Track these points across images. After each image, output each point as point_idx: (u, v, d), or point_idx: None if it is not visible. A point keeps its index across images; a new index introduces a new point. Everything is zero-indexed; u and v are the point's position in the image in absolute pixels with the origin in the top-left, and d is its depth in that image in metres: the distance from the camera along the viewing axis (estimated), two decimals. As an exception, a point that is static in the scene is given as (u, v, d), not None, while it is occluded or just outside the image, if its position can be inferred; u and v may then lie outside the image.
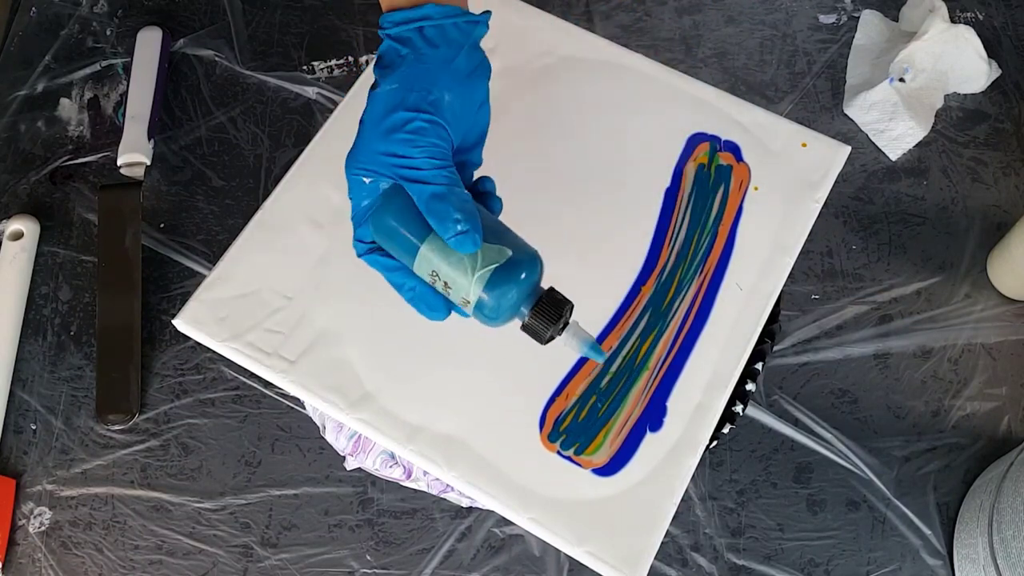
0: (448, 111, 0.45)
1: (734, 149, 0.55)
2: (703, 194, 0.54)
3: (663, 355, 0.50)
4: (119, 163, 0.73)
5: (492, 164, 0.55)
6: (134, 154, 0.73)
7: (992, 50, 0.76)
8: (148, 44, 0.78)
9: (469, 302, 0.44)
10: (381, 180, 0.45)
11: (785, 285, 0.52)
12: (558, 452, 0.48)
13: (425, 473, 0.57)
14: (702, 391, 0.49)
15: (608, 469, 0.48)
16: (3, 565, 0.64)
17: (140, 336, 0.69)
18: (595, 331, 0.51)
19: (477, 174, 0.49)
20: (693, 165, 0.55)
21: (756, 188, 0.54)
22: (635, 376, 0.50)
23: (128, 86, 0.76)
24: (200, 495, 0.66)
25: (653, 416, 0.49)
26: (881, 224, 0.71)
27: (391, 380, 0.50)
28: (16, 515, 0.65)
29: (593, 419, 0.49)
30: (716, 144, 0.55)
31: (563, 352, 0.50)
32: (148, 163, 0.73)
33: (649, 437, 0.48)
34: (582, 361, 0.50)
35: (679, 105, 0.56)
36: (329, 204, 0.54)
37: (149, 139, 0.74)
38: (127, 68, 0.78)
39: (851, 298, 0.69)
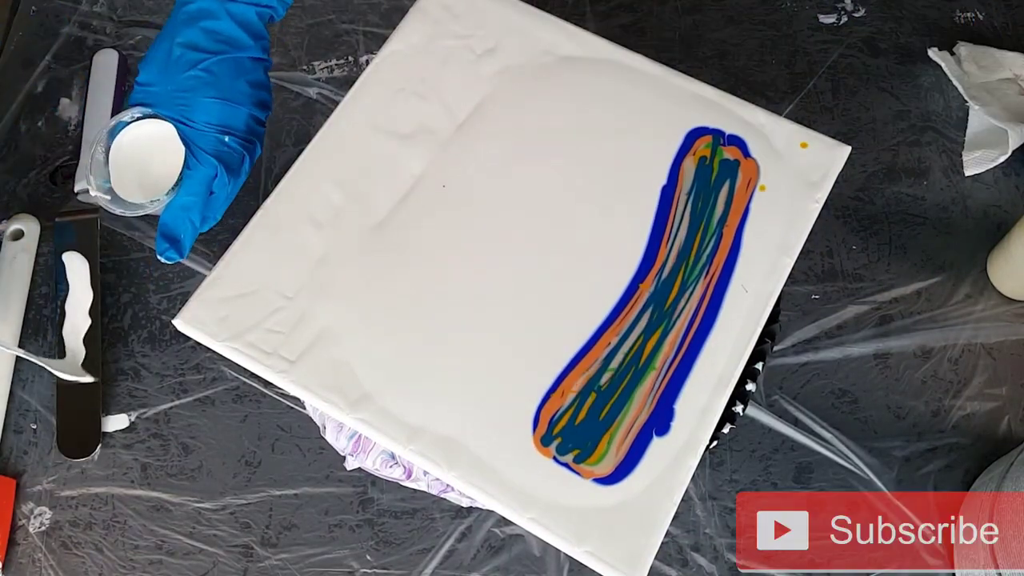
0: None
1: (740, 144, 0.55)
2: (704, 191, 0.54)
3: (670, 355, 0.50)
4: (76, 189, 0.72)
5: (489, 162, 0.55)
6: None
7: (992, 50, 0.76)
8: (103, 67, 0.77)
9: None
10: None
11: (785, 285, 0.52)
12: (554, 458, 0.48)
13: (425, 473, 0.57)
14: (709, 393, 0.49)
15: (612, 479, 0.47)
16: (3, 565, 0.64)
17: (101, 375, 0.69)
18: (592, 325, 0.51)
19: None
20: (693, 160, 0.54)
21: (763, 188, 0.54)
22: (640, 376, 0.49)
23: (84, 110, 0.75)
24: (200, 495, 0.66)
25: (660, 419, 0.49)
26: (881, 224, 0.71)
27: (391, 380, 0.50)
28: (16, 515, 0.65)
29: (594, 422, 0.49)
30: (719, 138, 0.55)
31: (559, 346, 0.50)
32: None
33: (656, 442, 0.48)
34: (580, 356, 0.50)
35: (678, 102, 0.56)
36: (329, 204, 0.54)
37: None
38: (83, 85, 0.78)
39: (851, 298, 0.69)
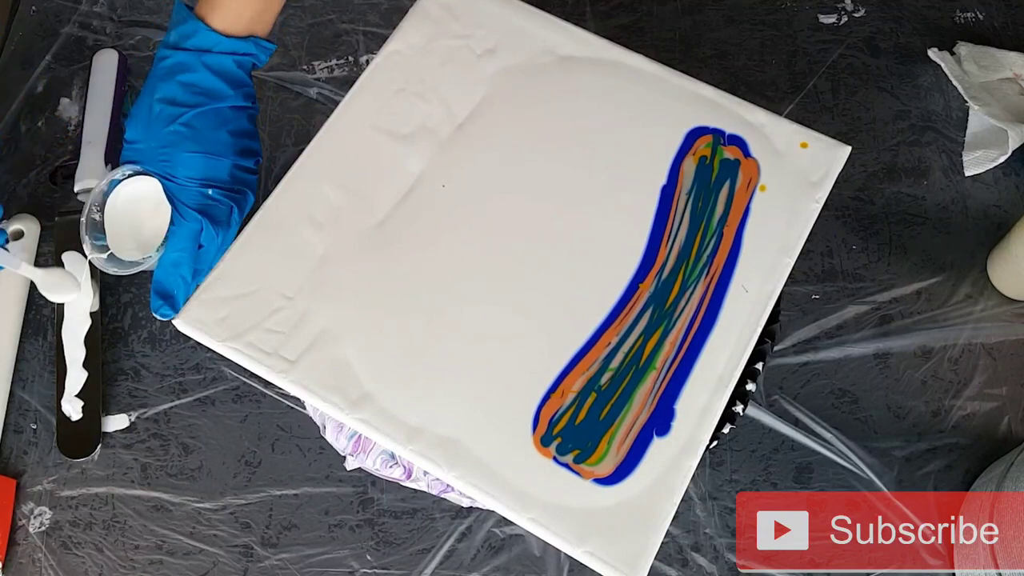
0: None
1: (740, 143, 0.55)
2: (704, 191, 0.54)
3: (671, 355, 0.50)
4: (76, 189, 0.73)
5: (488, 161, 0.55)
6: (92, 180, 0.72)
7: (992, 50, 0.76)
8: (103, 67, 0.77)
9: None
10: None
11: (785, 285, 0.52)
12: (554, 459, 0.48)
13: (425, 473, 0.57)
14: (709, 393, 0.49)
15: (612, 479, 0.47)
16: (3, 565, 0.64)
17: (101, 375, 0.68)
18: (592, 325, 0.51)
19: None
20: (693, 160, 0.54)
21: (764, 188, 0.54)
22: (640, 376, 0.49)
23: (84, 111, 0.76)
24: (200, 495, 0.66)
25: (661, 419, 0.49)
26: (881, 224, 0.71)
27: (391, 380, 0.50)
28: (16, 515, 0.65)
29: (594, 422, 0.49)
30: (720, 137, 0.55)
31: (559, 346, 0.50)
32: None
33: (656, 442, 0.48)
34: (579, 356, 0.50)
35: (678, 101, 0.56)
36: (329, 204, 0.54)
37: (106, 164, 0.73)
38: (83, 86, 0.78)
39: (851, 298, 0.69)
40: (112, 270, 0.55)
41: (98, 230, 0.55)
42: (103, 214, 0.55)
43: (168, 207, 0.53)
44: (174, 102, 0.53)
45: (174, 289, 0.54)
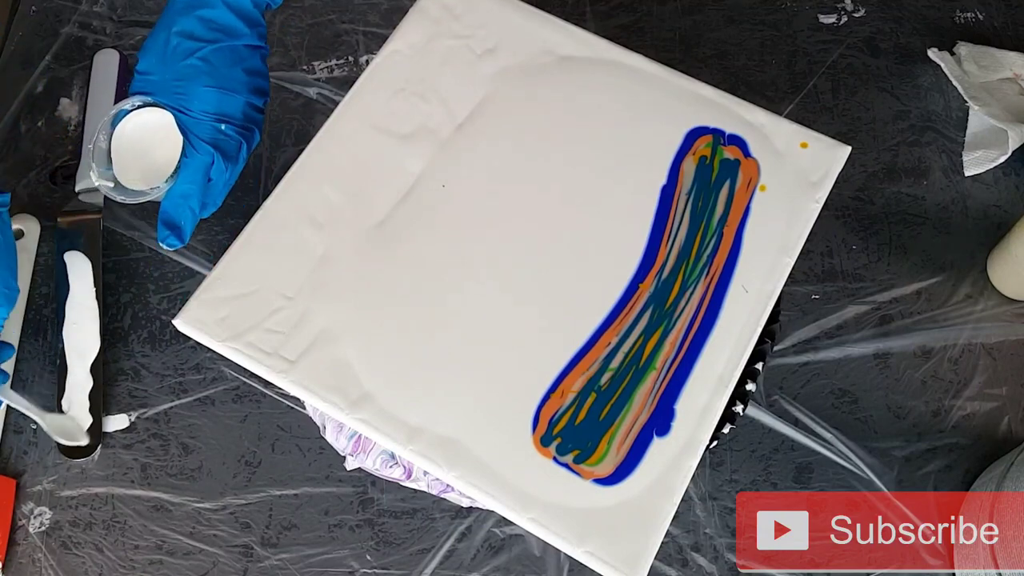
0: None
1: (740, 143, 0.55)
2: (704, 191, 0.54)
3: (671, 355, 0.50)
4: (76, 189, 0.72)
5: (488, 161, 0.55)
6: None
7: (992, 50, 0.76)
8: (103, 67, 0.77)
9: None
10: None
11: (785, 285, 0.52)
12: (554, 459, 0.48)
13: (425, 473, 0.57)
14: (709, 393, 0.49)
15: (612, 479, 0.47)
16: (3, 565, 0.64)
17: (102, 375, 0.68)
18: (592, 325, 0.51)
19: None
20: (693, 160, 0.54)
21: (764, 188, 0.54)
22: (640, 376, 0.49)
23: (84, 111, 0.75)
24: (200, 495, 0.66)
25: (661, 420, 0.49)
26: (881, 224, 0.71)
27: (391, 380, 0.50)
28: (16, 515, 0.65)
29: (593, 422, 0.49)
30: (720, 137, 0.55)
31: (559, 346, 0.50)
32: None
33: (656, 442, 0.48)
34: (579, 356, 0.50)
35: (678, 101, 0.56)
36: (329, 204, 0.54)
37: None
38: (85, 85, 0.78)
39: (851, 298, 0.69)
40: (119, 198, 0.55)
41: (104, 159, 0.55)
42: (110, 144, 0.55)
43: (175, 140, 0.54)
44: (192, 36, 0.54)
45: (182, 220, 0.55)
